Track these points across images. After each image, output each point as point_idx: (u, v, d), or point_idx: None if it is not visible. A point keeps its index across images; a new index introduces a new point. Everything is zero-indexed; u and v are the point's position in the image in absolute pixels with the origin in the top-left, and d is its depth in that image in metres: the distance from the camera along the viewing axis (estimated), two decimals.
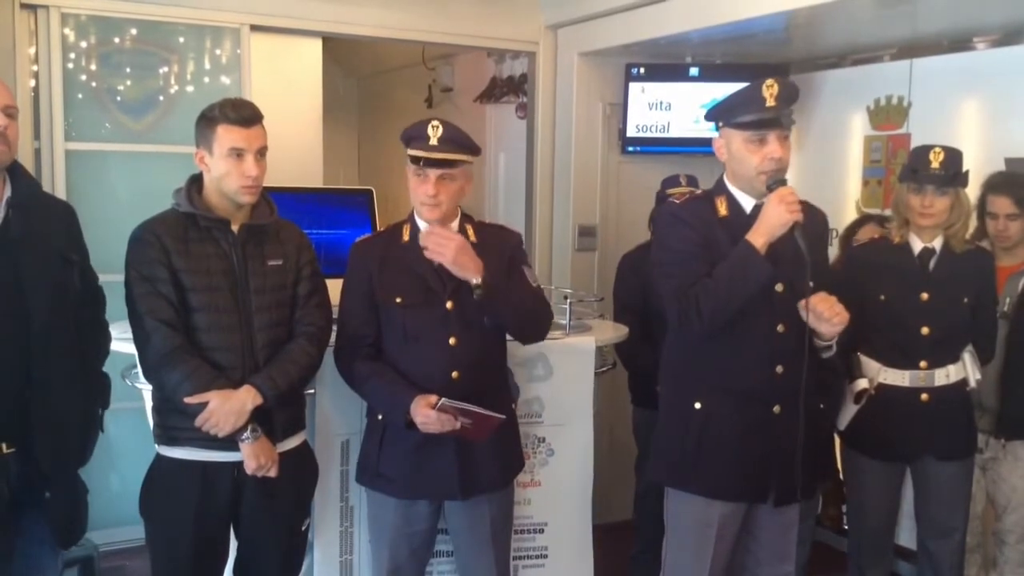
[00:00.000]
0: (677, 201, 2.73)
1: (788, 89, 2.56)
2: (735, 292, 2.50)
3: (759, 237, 2.49)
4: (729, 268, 2.51)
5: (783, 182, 2.52)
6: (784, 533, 2.76)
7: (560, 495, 3.35)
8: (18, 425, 2.39)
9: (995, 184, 3.46)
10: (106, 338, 2.74)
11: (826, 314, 2.49)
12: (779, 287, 2.57)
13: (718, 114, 2.63)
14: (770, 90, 2.50)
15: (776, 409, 2.61)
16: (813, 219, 2.70)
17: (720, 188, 2.68)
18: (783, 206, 2.46)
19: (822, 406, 2.76)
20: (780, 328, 2.59)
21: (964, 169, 3.07)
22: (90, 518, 2.63)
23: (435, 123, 2.68)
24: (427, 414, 2.61)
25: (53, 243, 2.48)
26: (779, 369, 2.59)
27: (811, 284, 2.50)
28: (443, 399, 2.60)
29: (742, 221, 2.59)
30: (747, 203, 2.63)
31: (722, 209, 2.63)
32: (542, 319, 2.83)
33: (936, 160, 3.03)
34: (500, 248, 2.84)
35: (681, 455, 2.69)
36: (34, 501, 2.45)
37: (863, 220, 3.93)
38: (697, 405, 2.66)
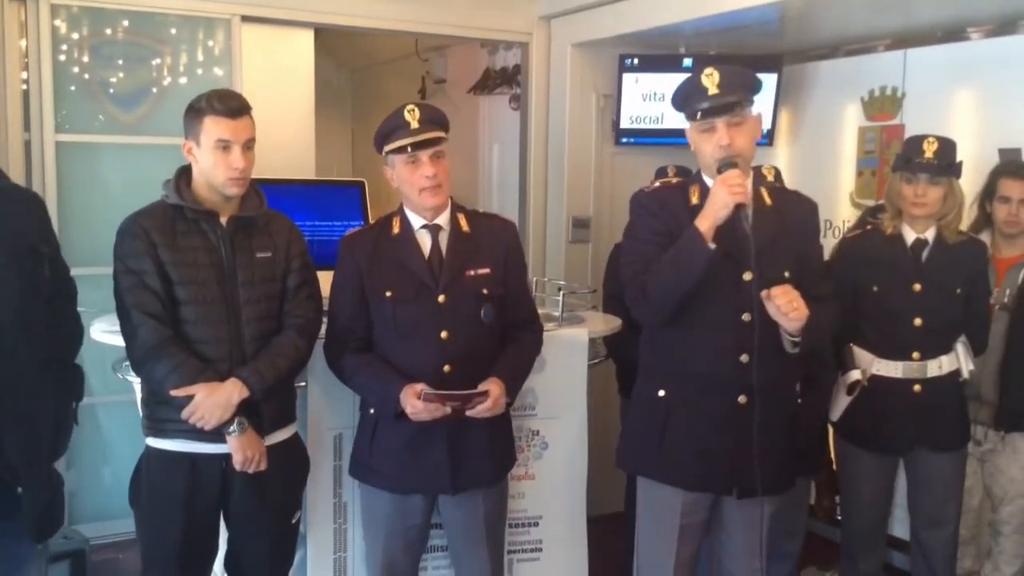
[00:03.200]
0: (647, 190, 2.73)
1: (734, 76, 2.53)
2: (679, 276, 2.49)
3: (704, 221, 2.46)
4: (674, 252, 2.51)
5: (732, 165, 2.48)
6: (752, 528, 2.70)
7: (554, 488, 3.34)
8: None
9: (1011, 169, 3.46)
10: (79, 330, 2.71)
11: (783, 308, 2.45)
12: (747, 276, 2.53)
13: (677, 107, 2.63)
14: (710, 78, 2.50)
15: (742, 400, 2.58)
16: (800, 209, 2.69)
17: (696, 177, 2.69)
18: (724, 188, 2.44)
19: (800, 401, 2.73)
20: (746, 317, 2.54)
21: (958, 160, 3.07)
22: (82, 511, 2.62)
23: (411, 107, 2.69)
24: (415, 404, 2.61)
25: (22, 235, 2.44)
26: (744, 359, 2.56)
27: (759, 269, 2.48)
28: (425, 390, 2.61)
29: None
30: None
31: (694, 198, 2.62)
32: (536, 356, 2.95)
33: (930, 150, 3.02)
34: (495, 240, 2.83)
35: (646, 443, 2.70)
36: (7, 497, 2.43)
37: (877, 210, 3.92)
38: (661, 393, 2.67)
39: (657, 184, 2.78)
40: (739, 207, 2.44)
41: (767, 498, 2.67)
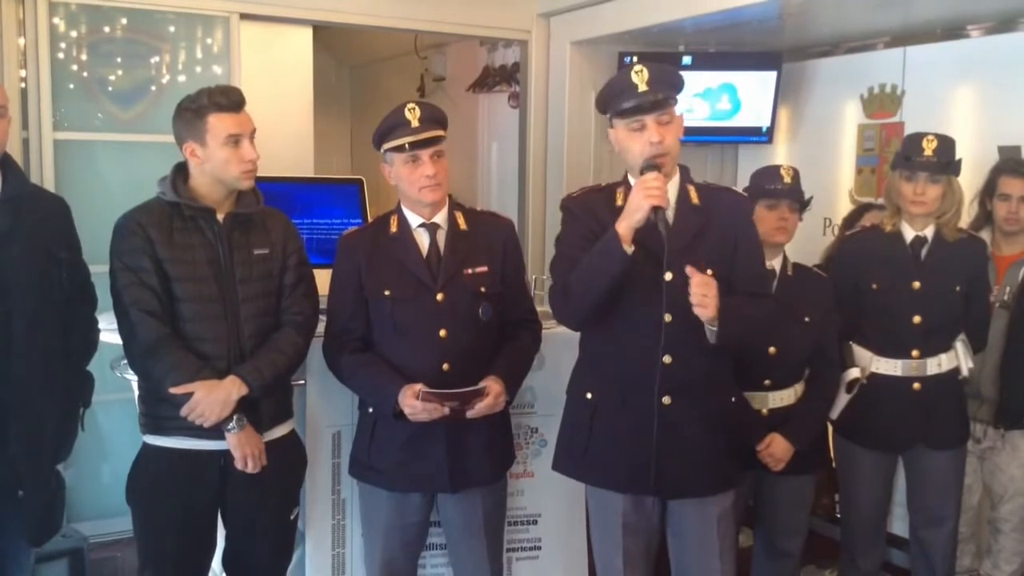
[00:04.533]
0: (573, 195, 2.72)
1: (662, 73, 2.51)
2: (596, 278, 2.47)
3: (621, 223, 2.44)
4: (591, 255, 2.49)
5: (654, 168, 2.46)
6: (701, 528, 2.66)
7: (553, 486, 3.32)
8: None
9: (1011, 166, 3.46)
10: (93, 336, 2.72)
11: (693, 297, 2.40)
12: (668, 276, 2.49)
13: (603, 107, 2.60)
14: (640, 75, 2.47)
15: (666, 400, 2.55)
16: (727, 205, 2.63)
17: (623, 180, 2.65)
18: (641, 191, 2.41)
19: (734, 399, 2.72)
20: (667, 318, 2.51)
21: (957, 157, 3.07)
22: (80, 509, 2.62)
23: (411, 105, 2.68)
24: (413, 404, 2.60)
25: (40, 240, 2.45)
26: (667, 359, 2.53)
27: (678, 269, 2.45)
28: (422, 390, 2.60)
29: None
30: None
31: (620, 200, 2.58)
32: (535, 354, 2.94)
33: (929, 147, 3.02)
34: (493, 238, 2.83)
35: (576, 445, 2.70)
36: (7, 499, 2.43)
37: (864, 208, 3.93)
38: (588, 395, 2.66)
39: (585, 188, 2.77)
40: (655, 209, 2.40)
41: (712, 498, 2.63)
